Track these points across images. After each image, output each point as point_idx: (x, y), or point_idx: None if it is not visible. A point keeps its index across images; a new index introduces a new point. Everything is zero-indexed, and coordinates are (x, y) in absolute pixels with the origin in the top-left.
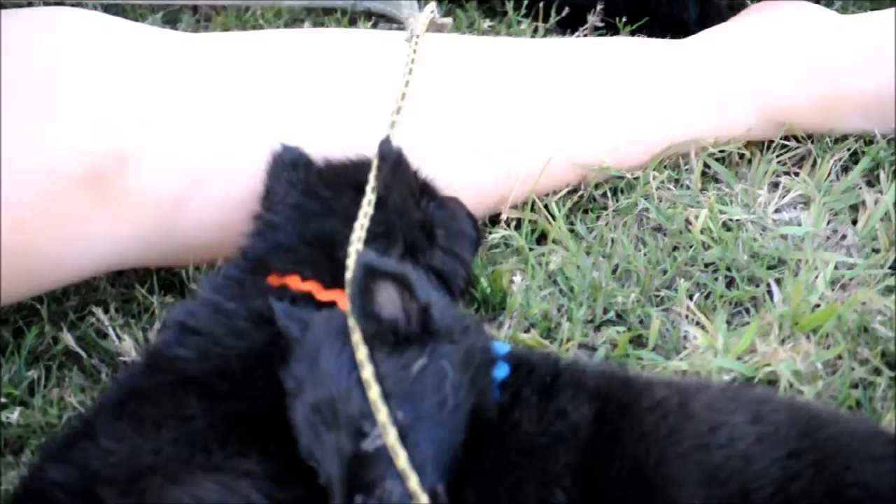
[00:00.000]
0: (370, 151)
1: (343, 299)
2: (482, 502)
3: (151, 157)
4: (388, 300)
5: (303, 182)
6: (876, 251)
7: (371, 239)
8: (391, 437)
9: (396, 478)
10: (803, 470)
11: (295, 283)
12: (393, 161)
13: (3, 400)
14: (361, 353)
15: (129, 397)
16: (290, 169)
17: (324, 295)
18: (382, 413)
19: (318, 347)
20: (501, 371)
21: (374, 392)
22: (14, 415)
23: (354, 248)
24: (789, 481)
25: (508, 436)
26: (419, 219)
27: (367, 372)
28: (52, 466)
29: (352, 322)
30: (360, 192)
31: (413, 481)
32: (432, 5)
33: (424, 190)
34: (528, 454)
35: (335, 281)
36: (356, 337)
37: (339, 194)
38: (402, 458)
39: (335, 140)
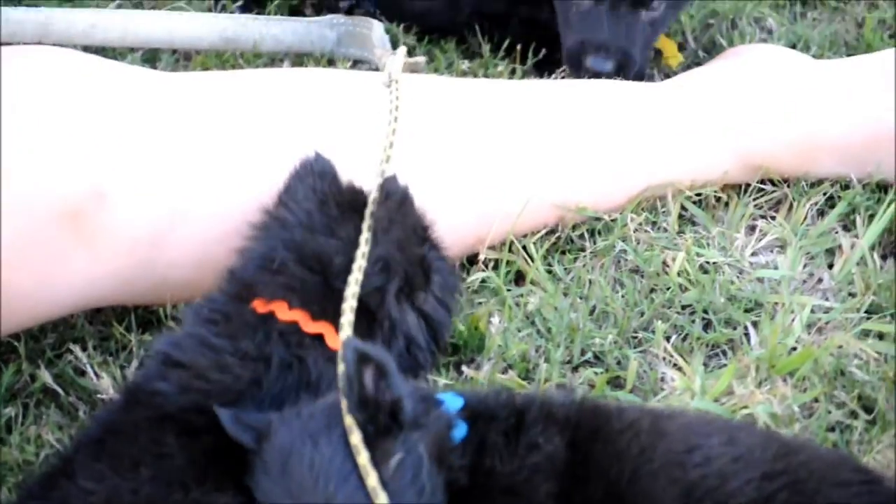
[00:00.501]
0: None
1: (330, 332)
2: None
3: (129, 196)
4: (369, 388)
5: (322, 193)
6: (852, 295)
7: (371, 272)
8: None
9: None
10: (777, 492)
11: (282, 311)
12: (399, 198)
13: None
14: (356, 437)
15: (108, 435)
16: (316, 177)
17: (311, 327)
18: (382, 498)
19: (286, 457)
20: (460, 431)
21: (373, 478)
22: None
23: (352, 288)
24: (763, 503)
25: (486, 485)
26: (419, 258)
27: (364, 458)
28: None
29: (343, 407)
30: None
31: None
32: (403, 49)
33: (427, 236)
34: (510, 493)
35: (324, 312)
36: (349, 420)
37: (347, 219)
38: None
39: None
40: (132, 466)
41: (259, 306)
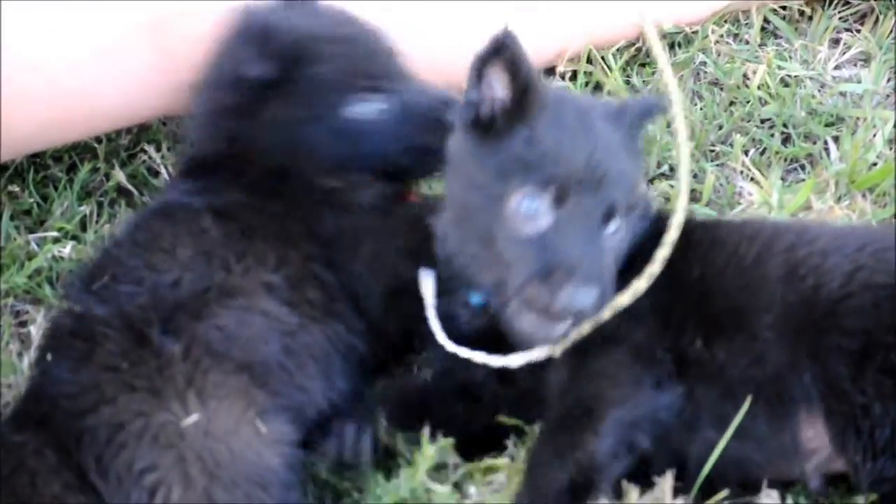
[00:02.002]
0: None
1: None
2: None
3: (212, 6)
4: None
5: None
6: None
7: None
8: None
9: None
10: (867, 261)
11: None
12: None
13: (56, 234)
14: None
15: (143, 224)
16: None
17: None
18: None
19: (586, 110)
20: None
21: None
22: (66, 249)
23: None
24: (855, 272)
25: None
26: None
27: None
28: (89, 301)
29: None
30: None
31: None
32: None
33: None
34: None
35: None
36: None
37: None
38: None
39: None
40: (170, 248)
41: None
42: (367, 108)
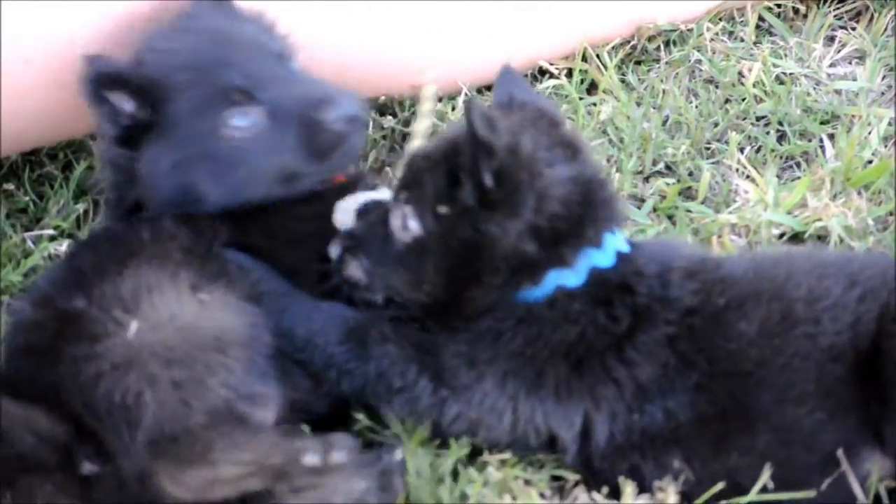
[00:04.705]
0: None
1: None
2: None
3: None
4: None
5: None
6: None
7: None
8: None
9: None
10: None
11: None
12: None
13: (52, 232)
14: None
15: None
16: None
17: None
18: None
19: None
20: None
21: None
22: (62, 247)
23: None
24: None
25: None
26: None
27: None
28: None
29: None
30: None
31: None
32: None
33: None
34: None
35: None
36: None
37: None
38: None
39: None
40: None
41: None
42: (243, 122)
